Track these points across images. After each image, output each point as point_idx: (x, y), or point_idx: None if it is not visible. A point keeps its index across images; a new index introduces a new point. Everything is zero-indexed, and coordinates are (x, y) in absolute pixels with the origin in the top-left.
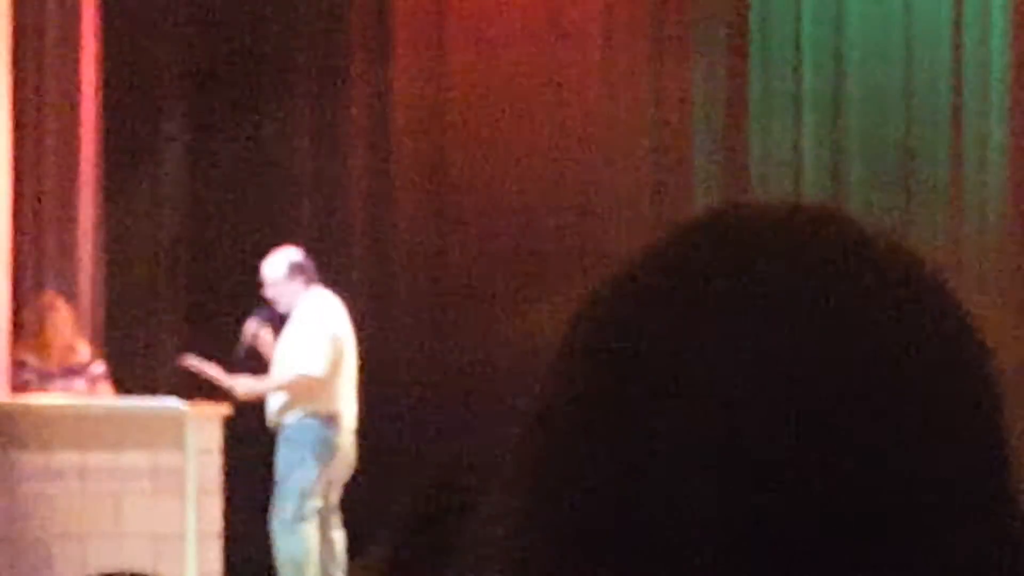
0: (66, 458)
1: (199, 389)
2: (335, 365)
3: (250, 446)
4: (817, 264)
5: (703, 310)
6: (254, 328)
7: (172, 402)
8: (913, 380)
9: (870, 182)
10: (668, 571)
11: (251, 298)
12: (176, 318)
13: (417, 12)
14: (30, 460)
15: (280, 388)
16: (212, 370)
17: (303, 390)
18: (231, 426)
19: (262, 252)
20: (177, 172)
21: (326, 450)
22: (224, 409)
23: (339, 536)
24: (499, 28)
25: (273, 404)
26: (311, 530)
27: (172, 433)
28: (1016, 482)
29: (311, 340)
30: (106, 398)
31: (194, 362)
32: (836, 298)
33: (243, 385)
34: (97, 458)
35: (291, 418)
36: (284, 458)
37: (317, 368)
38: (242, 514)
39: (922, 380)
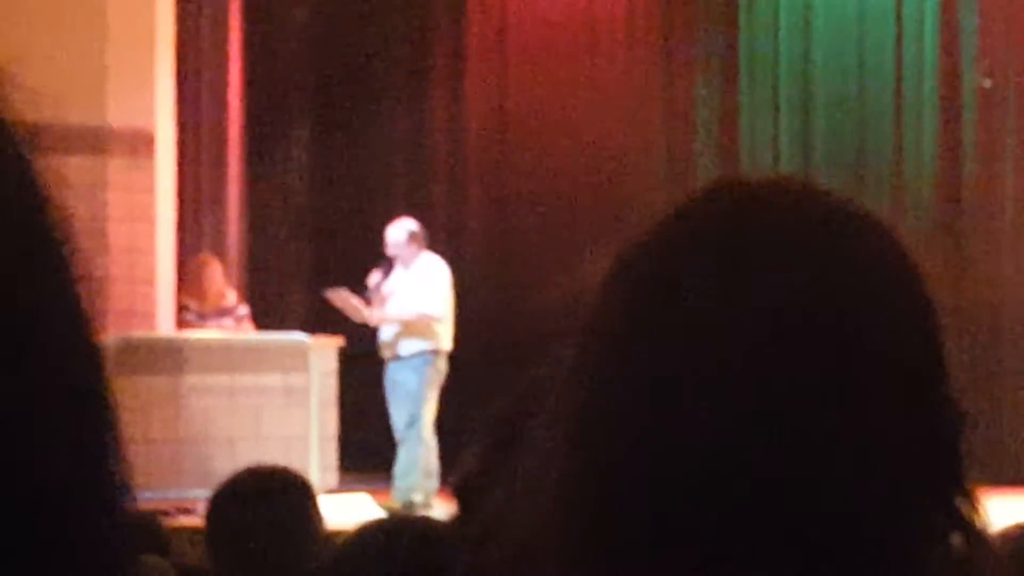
0: (218, 379)
1: (319, 325)
2: (447, 309)
3: (359, 370)
4: (799, 222)
5: (709, 264)
6: (377, 279)
7: (299, 335)
8: (883, 323)
9: (831, 168)
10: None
11: (358, 256)
12: (301, 272)
13: (485, 38)
14: (191, 381)
15: (407, 321)
16: (355, 302)
17: (423, 327)
18: (344, 354)
19: (365, 221)
20: (302, 160)
21: (438, 376)
22: (339, 341)
23: (433, 440)
24: (548, 50)
25: (390, 337)
26: (429, 434)
27: (299, 359)
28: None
29: (433, 290)
30: (249, 333)
31: (340, 295)
32: (817, 248)
33: (377, 315)
34: (242, 379)
35: (410, 349)
36: (410, 376)
37: (439, 311)
38: (352, 423)
39: (889, 324)
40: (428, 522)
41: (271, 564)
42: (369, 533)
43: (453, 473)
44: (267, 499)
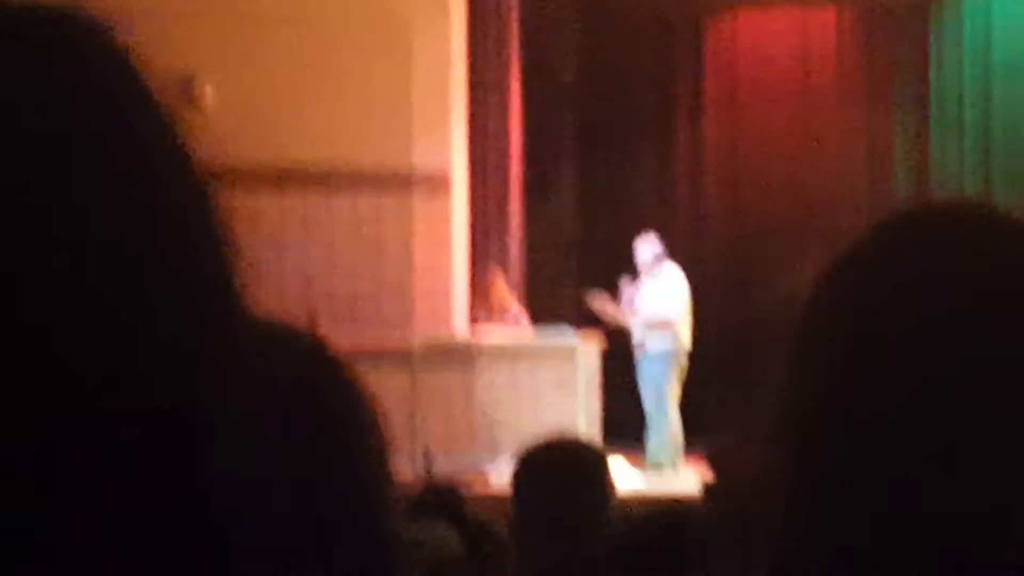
0: (503, 373)
1: (584, 322)
2: (685, 312)
3: (617, 364)
4: (981, 239)
5: (902, 277)
6: (628, 286)
7: (568, 334)
8: None
9: (1010, 189)
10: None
11: (613, 269)
12: (570, 284)
13: (720, 88)
14: (484, 374)
15: (652, 323)
16: (611, 307)
17: (666, 328)
18: (604, 352)
19: (620, 240)
20: (570, 193)
21: (680, 368)
22: (599, 342)
23: (677, 419)
24: (770, 97)
25: (640, 337)
26: (674, 414)
27: (568, 357)
28: None
29: (674, 297)
30: (526, 333)
31: (599, 301)
32: (996, 260)
33: (629, 318)
34: (522, 373)
35: (656, 348)
36: (656, 370)
37: (679, 315)
38: (614, 406)
39: None
40: (688, 510)
41: (569, 527)
42: (644, 526)
43: (707, 446)
44: (569, 468)
